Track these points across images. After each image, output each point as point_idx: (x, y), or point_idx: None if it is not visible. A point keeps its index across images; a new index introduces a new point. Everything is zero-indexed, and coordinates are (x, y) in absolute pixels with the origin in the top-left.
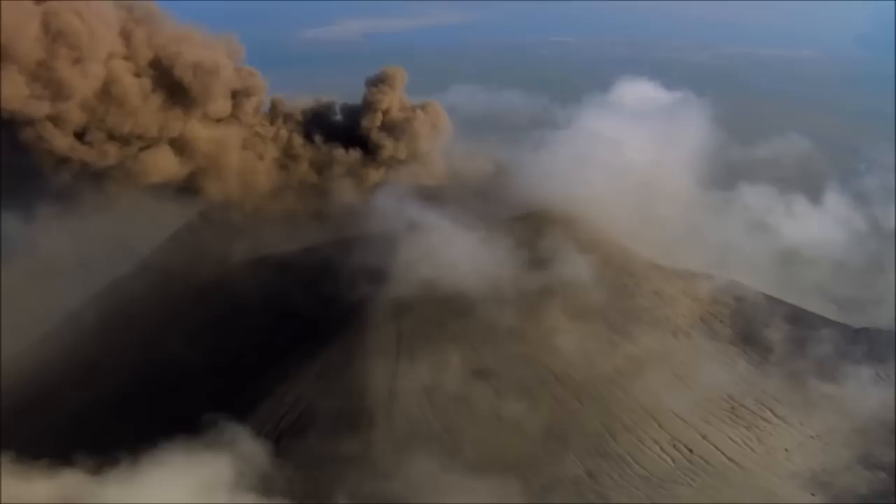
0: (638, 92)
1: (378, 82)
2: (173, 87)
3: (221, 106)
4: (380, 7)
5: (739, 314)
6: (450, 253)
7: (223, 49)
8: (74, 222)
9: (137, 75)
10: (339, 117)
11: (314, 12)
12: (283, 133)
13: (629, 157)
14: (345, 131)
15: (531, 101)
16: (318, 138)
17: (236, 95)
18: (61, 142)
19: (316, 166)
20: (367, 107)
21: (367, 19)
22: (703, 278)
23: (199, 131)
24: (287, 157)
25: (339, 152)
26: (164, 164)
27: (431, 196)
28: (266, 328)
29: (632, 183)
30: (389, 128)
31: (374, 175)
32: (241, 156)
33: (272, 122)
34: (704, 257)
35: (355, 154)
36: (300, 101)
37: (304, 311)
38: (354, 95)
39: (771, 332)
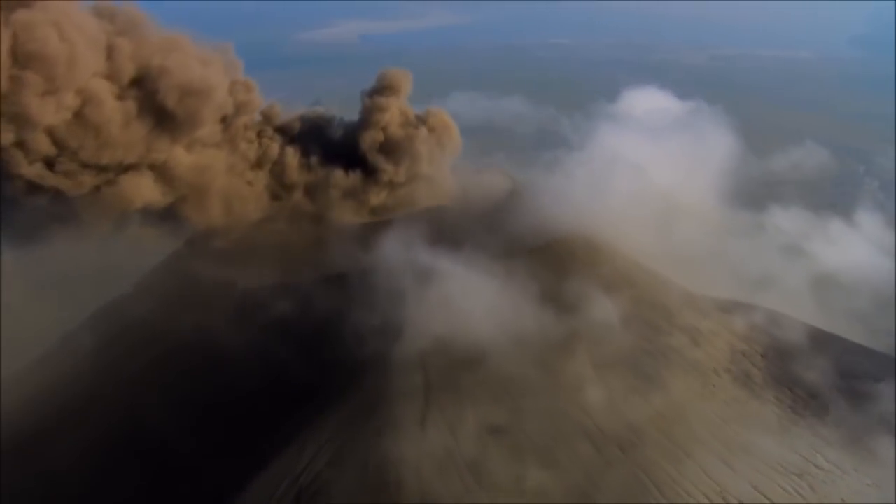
0: (648, 101)
1: (377, 92)
2: (158, 112)
3: (211, 131)
4: (375, 8)
5: (782, 352)
6: (466, 303)
7: (218, 63)
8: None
9: (120, 97)
10: (338, 132)
11: (309, 13)
12: (275, 152)
13: (650, 178)
14: (343, 148)
15: (534, 109)
16: (313, 159)
17: (228, 116)
18: (28, 170)
19: (311, 191)
20: (365, 124)
21: (363, 21)
22: (741, 311)
23: (183, 157)
24: (279, 183)
25: (337, 175)
26: (143, 192)
27: (441, 228)
28: (257, 392)
29: (655, 206)
30: (389, 149)
31: (376, 198)
32: (228, 182)
33: (264, 136)
34: (737, 286)
35: (354, 177)
36: (295, 111)
37: (301, 375)
38: (351, 97)
39: (816, 372)
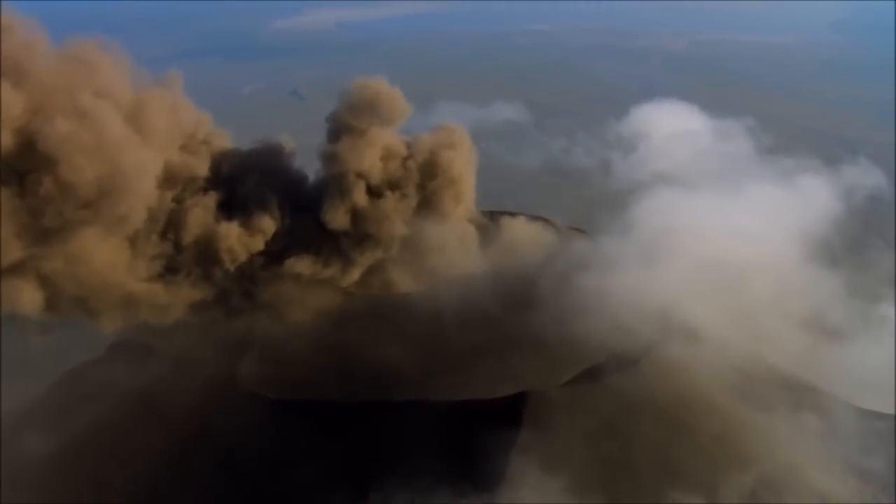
0: (670, 120)
1: (348, 126)
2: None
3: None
4: None
5: None
6: None
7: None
8: None
9: None
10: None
11: (283, 2)
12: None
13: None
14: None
15: (524, 115)
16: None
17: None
18: None
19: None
20: (330, 191)
21: (338, 9)
22: None
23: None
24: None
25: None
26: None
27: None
28: None
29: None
30: (364, 230)
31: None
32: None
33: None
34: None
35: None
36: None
37: None
38: (331, 86)
39: None
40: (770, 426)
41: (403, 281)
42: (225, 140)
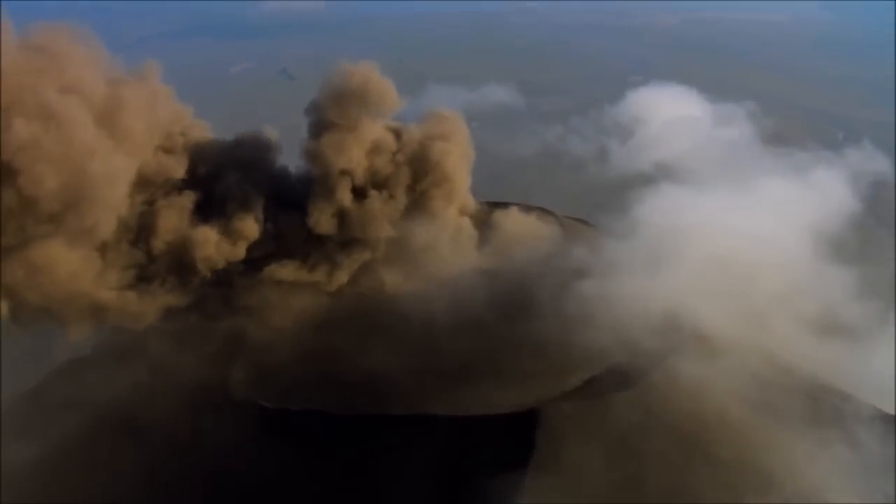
0: (669, 105)
1: (331, 123)
2: None
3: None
4: None
5: None
6: None
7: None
8: None
9: None
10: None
11: None
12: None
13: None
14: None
15: (516, 97)
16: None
17: None
18: None
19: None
20: (314, 191)
21: None
22: None
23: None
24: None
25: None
26: None
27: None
28: None
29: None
30: (349, 230)
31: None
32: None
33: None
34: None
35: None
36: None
37: None
38: (321, 66)
39: None
40: (791, 443)
41: (393, 281)
42: (205, 132)
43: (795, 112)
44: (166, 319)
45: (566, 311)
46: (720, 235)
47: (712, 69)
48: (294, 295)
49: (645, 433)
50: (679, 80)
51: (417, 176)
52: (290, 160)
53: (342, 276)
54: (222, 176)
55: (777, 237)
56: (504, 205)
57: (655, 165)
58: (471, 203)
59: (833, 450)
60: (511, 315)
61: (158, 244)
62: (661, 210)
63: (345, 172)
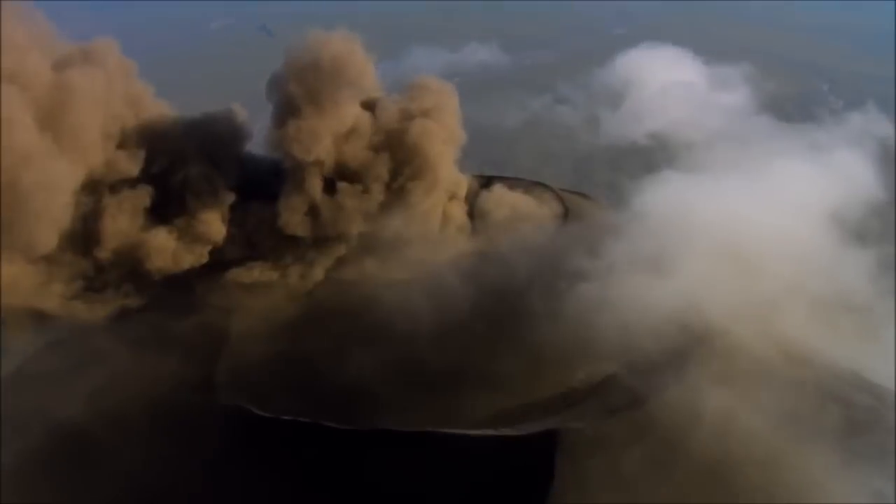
0: (661, 70)
1: (296, 106)
2: None
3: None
4: None
5: None
6: None
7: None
8: None
9: None
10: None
11: None
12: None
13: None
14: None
15: (500, 57)
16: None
17: None
18: None
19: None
20: (286, 187)
21: None
22: None
23: None
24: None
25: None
26: None
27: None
28: None
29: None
30: (321, 228)
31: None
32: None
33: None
34: None
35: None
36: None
37: None
38: (301, 22)
39: None
40: (823, 460)
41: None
42: (165, 113)
43: (794, 69)
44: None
45: (565, 313)
46: (727, 224)
47: (701, 22)
48: (263, 296)
49: (670, 454)
50: (663, 30)
51: (395, 164)
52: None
53: (317, 275)
54: (183, 167)
55: (789, 222)
56: (498, 179)
57: (651, 136)
58: (461, 185)
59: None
60: (502, 316)
61: (104, 254)
62: (664, 201)
63: (315, 164)
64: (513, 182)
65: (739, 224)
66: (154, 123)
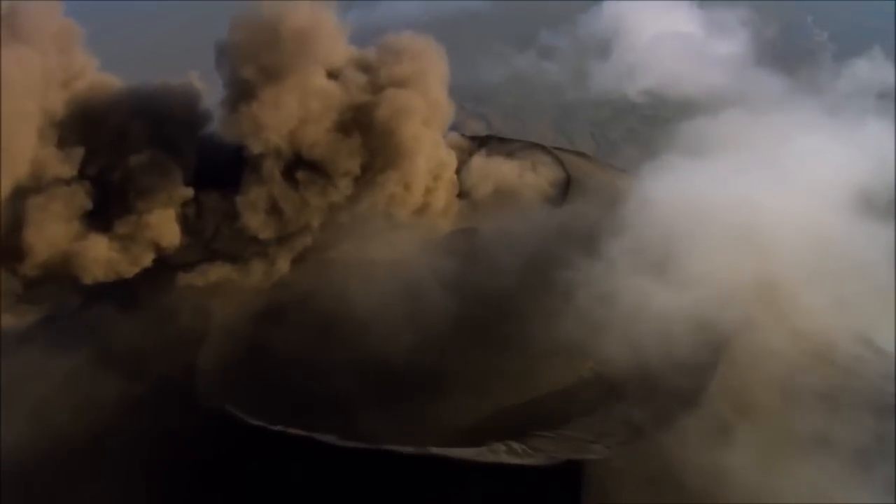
0: (653, 14)
1: (248, 86)
2: None
3: None
4: None
5: None
6: None
7: None
8: None
9: None
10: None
11: None
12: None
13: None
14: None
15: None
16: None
17: None
18: None
19: None
20: (244, 180)
21: None
22: None
23: None
24: None
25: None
26: None
27: None
28: None
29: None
30: (285, 227)
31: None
32: None
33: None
34: None
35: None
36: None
37: None
38: None
39: None
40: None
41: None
42: (113, 87)
43: (795, 14)
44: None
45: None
46: (742, 214)
47: None
48: (219, 296)
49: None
50: None
51: (364, 150)
52: None
53: (282, 268)
54: (127, 155)
55: (812, 208)
56: (492, 141)
57: (645, 94)
58: (447, 166)
59: None
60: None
61: (29, 269)
62: (671, 189)
63: (275, 153)
64: (507, 145)
65: (757, 215)
66: (94, 103)
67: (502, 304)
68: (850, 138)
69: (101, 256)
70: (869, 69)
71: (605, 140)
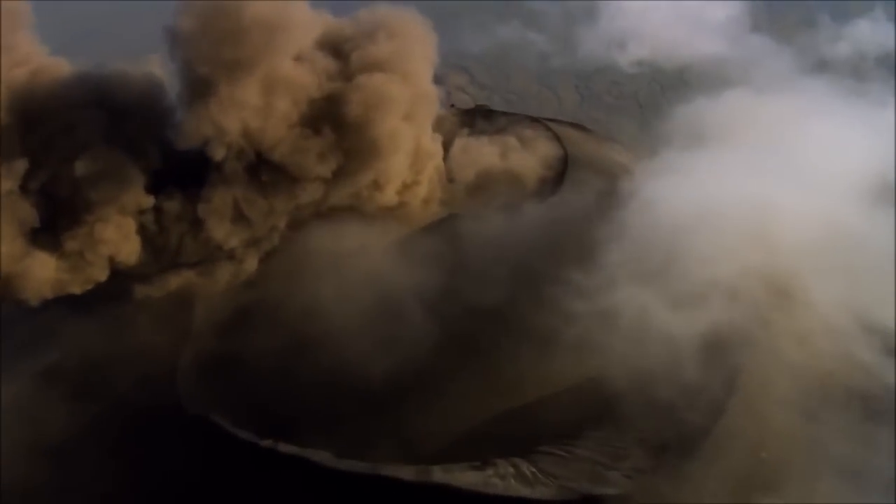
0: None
1: (202, 87)
2: None
3: None
4: None
5: None
6: None
7: None
8: None
9: None
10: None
11: None
12: None
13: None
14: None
15: None
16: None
17: None
18: None
19: None
20: (208, 184)
21: None
22: None
23: None
24: None
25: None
26: None
27: None
28: None
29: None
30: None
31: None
32: None
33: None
34: None
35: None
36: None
37: None
38: None
39: None
40: None
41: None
42: (59, 73)
43: None
44: None
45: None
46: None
47: None
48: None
49: None
50: None
51: (334, 147)
52: None
53: (249, 267)
54: (76, 155)
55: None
56: (483, 114)
57: (638, 64)
58: (433, 157)
59: None
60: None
61: None
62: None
63: (237, 154)
64: (496, 120)
65: (769, 213)
66: (35, 93)
67: (488, 325)
68: (867, 122)
69: (47, 277)
70: (870, 31)
71: (590, 92)
